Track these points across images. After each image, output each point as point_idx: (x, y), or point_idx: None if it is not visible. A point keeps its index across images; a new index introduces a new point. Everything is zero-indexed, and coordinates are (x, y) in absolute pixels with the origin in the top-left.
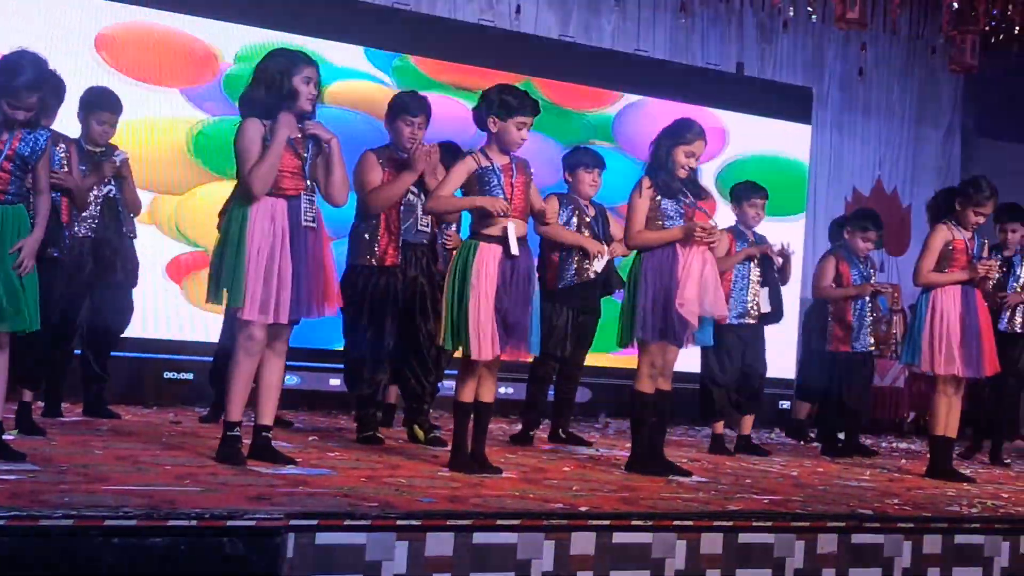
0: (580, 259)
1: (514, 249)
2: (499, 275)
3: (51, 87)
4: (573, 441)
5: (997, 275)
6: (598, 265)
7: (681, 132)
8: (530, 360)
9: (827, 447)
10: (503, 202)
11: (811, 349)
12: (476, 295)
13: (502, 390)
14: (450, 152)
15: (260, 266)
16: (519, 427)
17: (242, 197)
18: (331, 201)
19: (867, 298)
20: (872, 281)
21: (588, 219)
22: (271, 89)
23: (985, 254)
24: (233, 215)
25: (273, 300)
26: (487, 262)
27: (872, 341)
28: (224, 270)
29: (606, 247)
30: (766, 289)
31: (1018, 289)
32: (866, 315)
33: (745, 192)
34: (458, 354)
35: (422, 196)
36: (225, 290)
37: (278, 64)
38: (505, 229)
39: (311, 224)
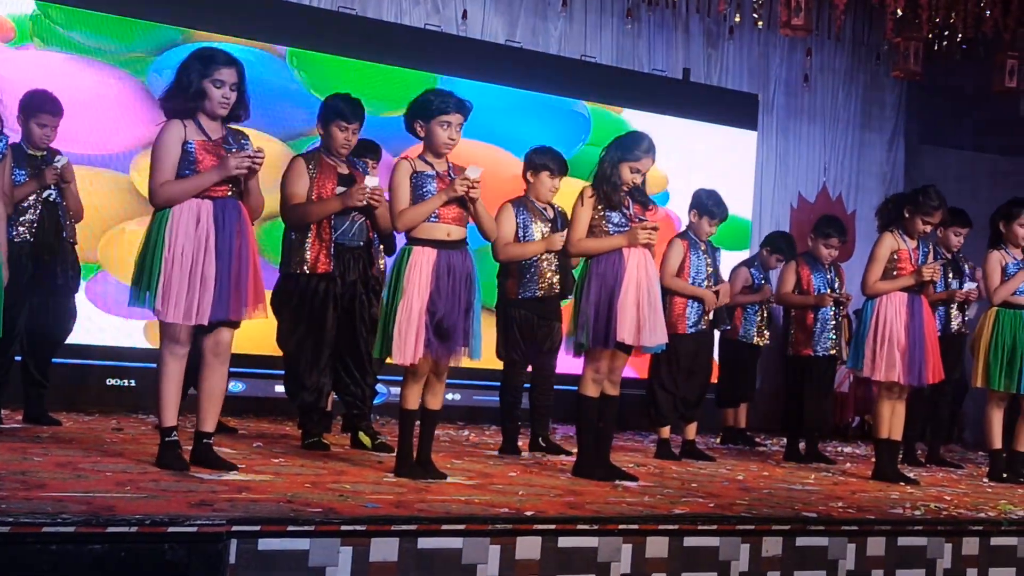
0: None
1: (475, 175)
2: (434, 278)
3: None
4: (553, 449)
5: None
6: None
7: (630, 147)
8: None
9: (789, 453)
10: (460, 181)
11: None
12: (407, 299)
13: (448, 396)
14: (369, 150)
15: (184, 268)
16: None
17: None
18: (250, 212)
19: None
20: (836, 287)
21: (547, 220)
22: (181, 88)
23: (931, 260)
24: (156, 216)
25: (196, 302)
26: (420, 266)
27: (832, 346)
28: (145, 272)
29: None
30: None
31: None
32: (828, 319)
33: (711, 211)
34: (390, 360)
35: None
36: (146, 292)
37: (193, 64)
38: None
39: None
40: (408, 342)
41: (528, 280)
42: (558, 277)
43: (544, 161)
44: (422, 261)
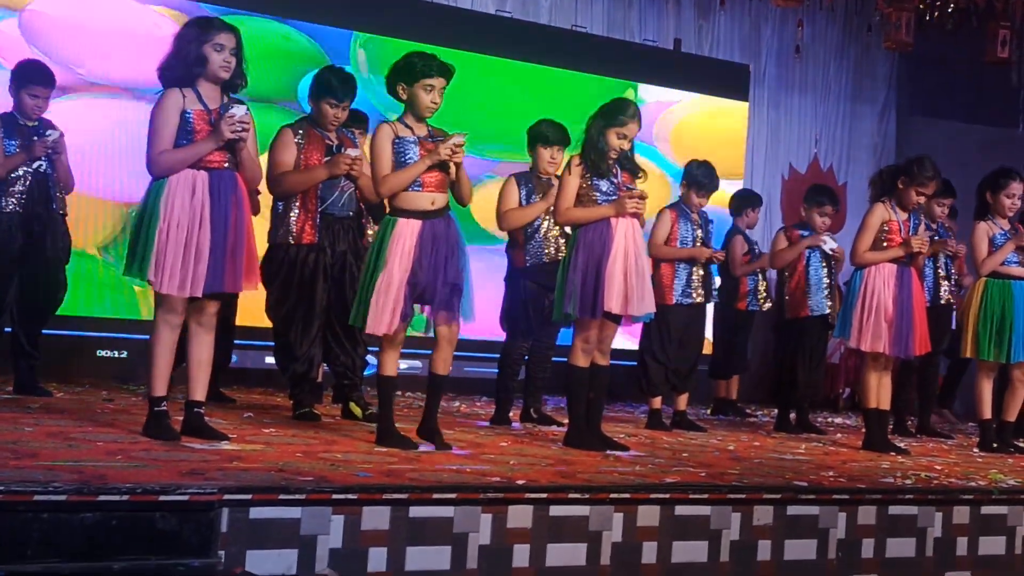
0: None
1: (460, 140)
2: (417, 248)
3: None
4: (545, 421)
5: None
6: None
7: (614, 114)
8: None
9: (779, 423)
10: (444, 145)
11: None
12: (387, 271)
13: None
14: (357, 120)
15: (178, 239)
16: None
17: None
18: (247, 182)
19: (822, 262)
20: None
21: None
22: (181, 57)
23: (921, 232)
24: (152, 187)
25: (191, 273)
26: (404, 238)
27: (829, 304)
28: (140, 243)
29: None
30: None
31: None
32: (821, 280)
33: (699, 182)
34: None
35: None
36: (142, 263)
37: (191, 32)
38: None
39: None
40: (384, 312)
41: (534, 247)
42: (564, 242)
43: (539, 131)
44: (406, 233)
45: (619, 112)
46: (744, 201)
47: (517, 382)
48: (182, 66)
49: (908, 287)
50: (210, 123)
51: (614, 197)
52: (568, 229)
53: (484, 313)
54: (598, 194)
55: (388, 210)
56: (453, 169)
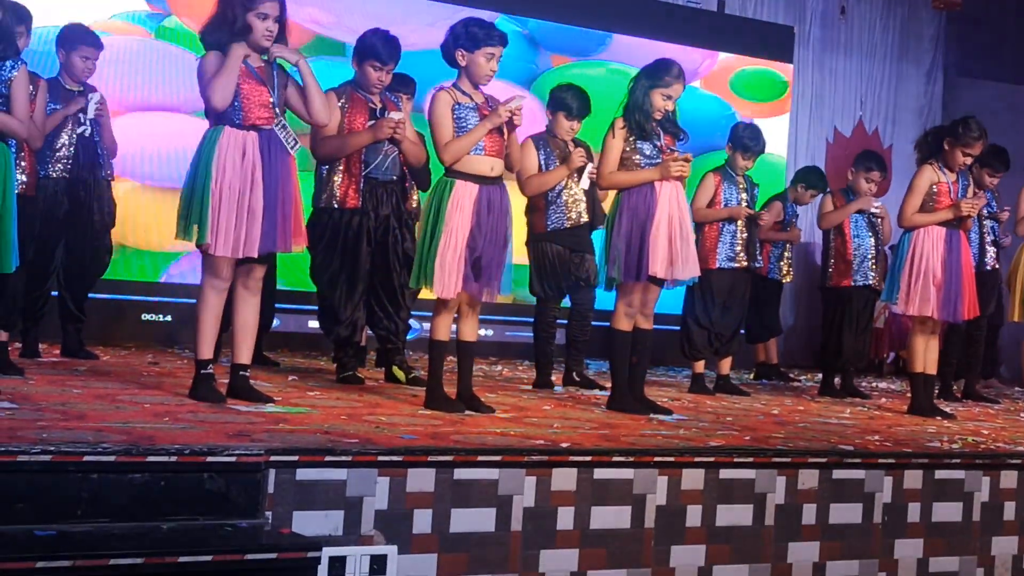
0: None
1: (519, 103)
2: (474, 214)
3: (10, 8)
4: (587, 384)
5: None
6: (584, 183)
7: (659, 74)
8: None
9: (824, 387)
10: (504, 107)
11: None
12: (448, 233)
13: (481, 332)
14: (404, 84)
15: (231, 200)
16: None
17: (211, 130)
18: (316, 122)
19: (868, 231)
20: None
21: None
22: (225, 24)
23: (970, 194)
24: (203, 148)
25: (244, 235)
26: (462, 201)
27: (874, 275)
28: (192, 205)
29: (588, 161)
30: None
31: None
32: (868, 250)
33: (745, 144)
34: (425, 293)
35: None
36: (195, 225)
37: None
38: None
39: (293, 148)
40: (450, 276)
41: (555, 212)
42: (584, 206)
43: (564, 101)
44: (464, 196)
45: (664, 72)
46: (803, 177)
47: (556, 345)
48: (226, 32)
49: (957, 251)
50: (259, 82)
51: (657, 160)
52: (584, 199)
53: (525, 275)
54: (641, 157)
55: (445, 171)
56: (506, 133)
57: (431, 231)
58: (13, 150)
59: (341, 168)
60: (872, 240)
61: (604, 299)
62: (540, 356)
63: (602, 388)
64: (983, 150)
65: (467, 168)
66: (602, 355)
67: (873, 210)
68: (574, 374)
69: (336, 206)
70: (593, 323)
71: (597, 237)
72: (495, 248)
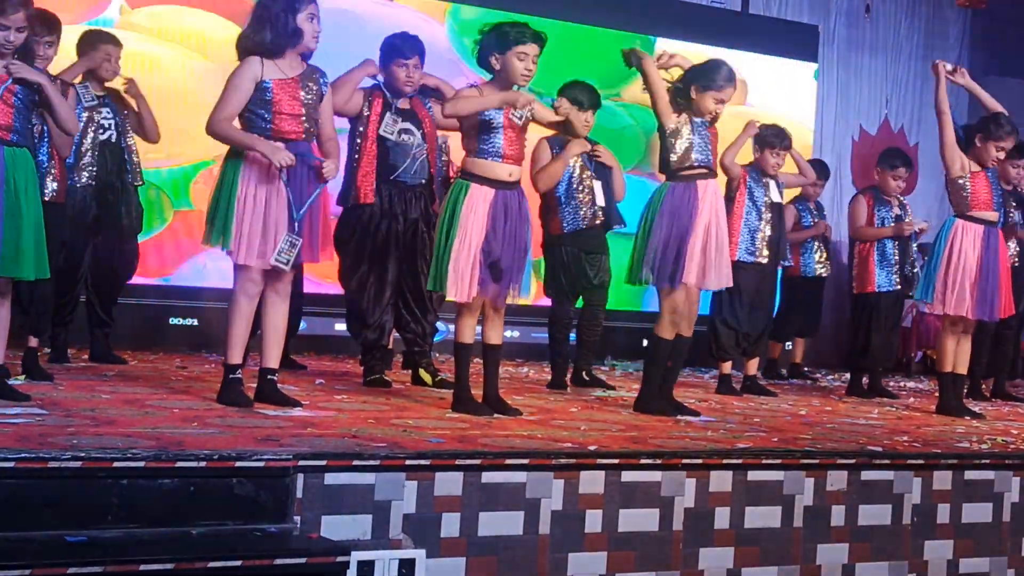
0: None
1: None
2: (490, 218)
3: (39, 14)
4: (596, 384)
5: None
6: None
7: (711, 76)
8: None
9: (852, 388)
10: (521, 95)
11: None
12: (462, 236)
13: (507, 334)
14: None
15: (258, 210)
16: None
17: None
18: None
19: (894, 240)
20: (907, 220)
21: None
22: (273, 28)
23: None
24: (230, 157)
25: (270, 244)
26: (476, 204)
27: (898, 280)
28: (220, 213)
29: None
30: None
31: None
32: (890, 254)
33: (769, 141)
34: (449, 298)
35: (418, 136)
36: (221, 234)
37: (280, 3)
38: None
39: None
40: (464, 279)
41: (570, 213)
42: (600, 206)
43: (572, 93)
44: (479, 200)
45: (714, 74)
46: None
47: (570, 346)
48: (273, 37)
49: (995, 248)
50: (290, 92)
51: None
52: (600, 198)
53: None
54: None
55: (461, 174)
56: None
57: (446, 233)
58: (43, 158)
59: (363, 164)
60: (895, 248)
61: (617, 300)
62: (555, 356)
63: (608, 387)
64: (1015, 143)
65: (484, 172)
66: (618, 356)
67: (916, 231)
68: (583, 373)
69: (353, 203)
70: (613, 323)
71: (616, 241)
72: (514, 253)
